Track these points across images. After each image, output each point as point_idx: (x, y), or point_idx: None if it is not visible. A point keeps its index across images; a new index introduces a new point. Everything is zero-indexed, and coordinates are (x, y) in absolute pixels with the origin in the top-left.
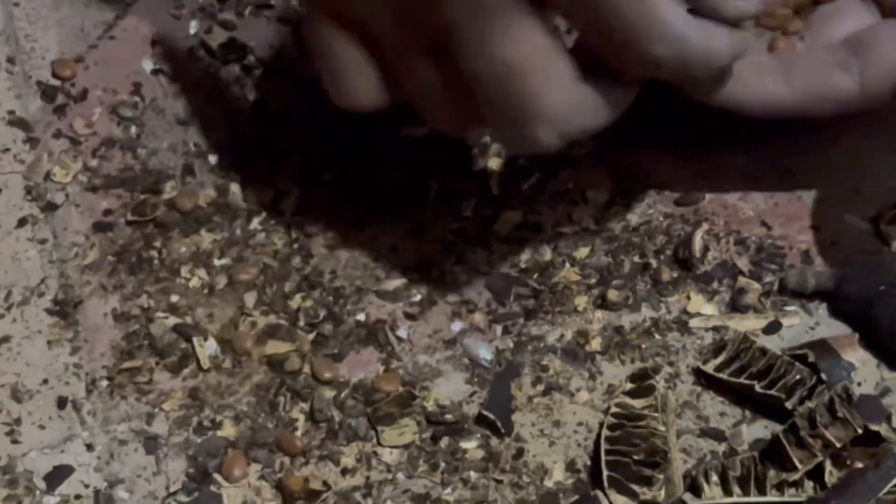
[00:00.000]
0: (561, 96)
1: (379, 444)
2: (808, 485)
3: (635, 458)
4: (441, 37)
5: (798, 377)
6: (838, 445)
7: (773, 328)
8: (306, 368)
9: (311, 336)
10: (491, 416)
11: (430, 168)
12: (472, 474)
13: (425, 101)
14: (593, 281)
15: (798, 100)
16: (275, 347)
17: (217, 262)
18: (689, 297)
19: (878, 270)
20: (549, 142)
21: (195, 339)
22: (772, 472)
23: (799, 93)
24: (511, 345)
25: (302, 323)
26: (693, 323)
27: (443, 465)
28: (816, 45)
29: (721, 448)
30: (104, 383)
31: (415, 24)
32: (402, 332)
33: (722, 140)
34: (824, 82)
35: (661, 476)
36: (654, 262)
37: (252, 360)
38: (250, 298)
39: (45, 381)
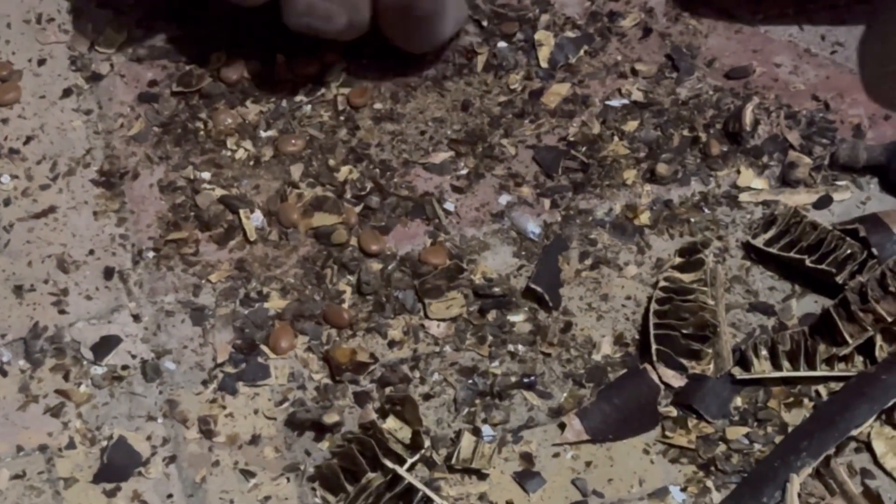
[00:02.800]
0: None
1: (426, 316)
2: (859, 359)
3: (684, 331)
4: None
5: (849, 251)
6: (889, 320)
7: (823, 202)
8: (353, 241)
9: (358, 208)
10: (539, 289)
11: (474, 41)
12: (520, 347)
13: None
14: (642, 154)
15: None
16: (321, 219)
17: (263, 134)
18: (738, 172)
19: None
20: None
21: (241, 211)
22: (822, 347)
23: None
24: (559, 218)
25: (349, 195)
26: (743, 197)
27: (490, 338)
28: None
29: (770, 322)
30: (151, 254)
31: None
32: (449, 205)
33: (773, 13)
34: None
35: (710, 350)
36: (703, 136)
37: (299, 233)
38: (297, 170)
39: (92, 252)
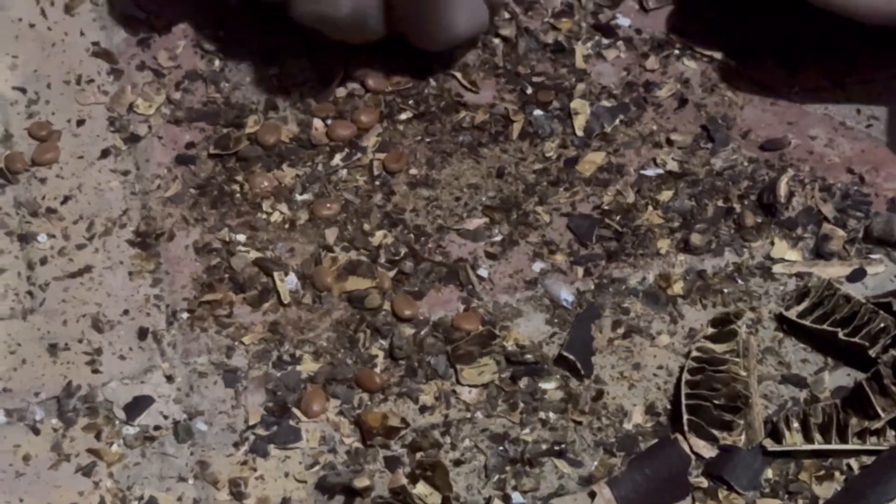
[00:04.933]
0: None
1: (458, 382)
2: (891, 433)
3: (716, 402)
4: None
5: (882, 325)
6: None
7: (857, 276)
8: (386, 305)
9: (392, 273)
10: (571, 357)
11: (510, 108)
12: (551, 415)
13: None
14: (676, 224)
15: None
16: (355, 283)
17: (299, 198)
18: (772, 243)
19: None
20: None
21: (276, 274)
22: (854, 420)
23: None
24: (592, 286)
25: (383, 260)
26: (776, 269)
27: (522, 405)
28: None
29: (802, 395)
30: (185, 315)
31: None
32: (482, 272)
33: (808, 86)
34: None
35: (742, 421)
36: (737, 207)
37: (332, 296)
38: (331, 234)
39: (126, 312)
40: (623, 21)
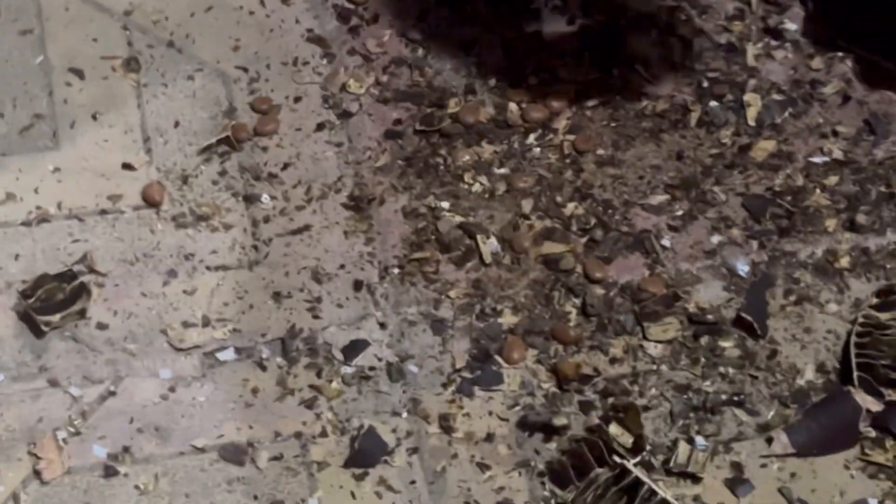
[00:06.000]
0: None
1: (645, 338)
2: None
3: (883, 363)
4: None
5: None
6: None
7: None
8: (578, 268)
9: (583, 240)
10: (749, 317)
11: (688, 99)
12: (730, 370)
13: None
14: (842, 206)
15: None
16: (550, 248)
17: (497, 171)
18: None
19: None
20: None
21: (479, 237)
22: None
23: None
24: (766, 258)
25: (574, 228)
26: None
27: (703, 360)
28: None
29: None
30: (396, 271)
31: None
32: (665, 242)
33: None
34: None
35: None
36: None
37: (529, 258)
38: (527, 204)
39: (343, 266)
40: (790, 25)
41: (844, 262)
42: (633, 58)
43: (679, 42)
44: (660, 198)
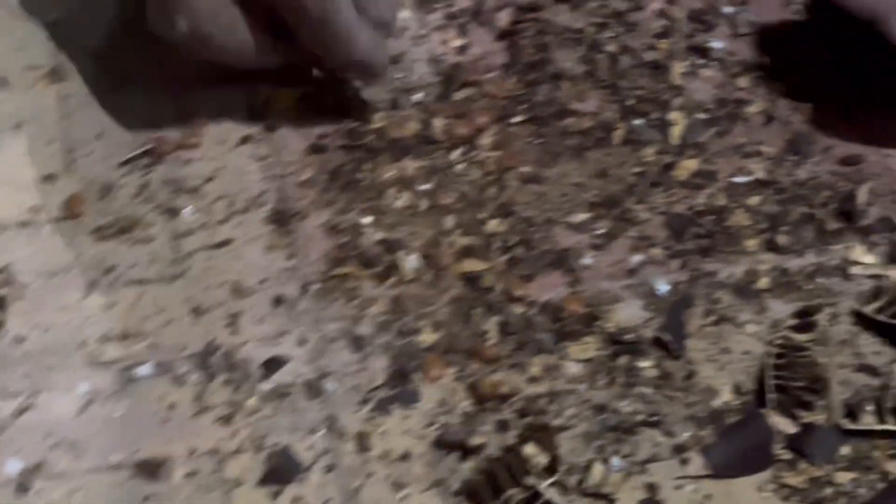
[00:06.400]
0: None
1: (563, 357)
2: None
3: (798, 384)
4: None
5: None
6: None
7: None
8: (499, 286)
9: (505, 258)
10: (666, 338)
11: (613, 117)
12: (648, 390)
13: None
14: (763, 226)
15: None
16: (471, 265)
17: (420, 187)
18: (850, 247)
19: None
20: None
21: (400, 253)
22: None
23: None
24: (686, 278)
25: (496, 246)
26: (854, 270)
27: (620, 380)
28: None
29: (876, 383)
30: (316, 286)
31: None
32: (586, 260)
33: (888, 107)
34: None
35: (821, 402)
36: (819, 214)
37: (450, 275)
38: (450, 221)
39: (264, 282)
40: (716, 44)
41: (764, 283)
42: (559, 74)
43: (606, 58)
44: (582, 216)
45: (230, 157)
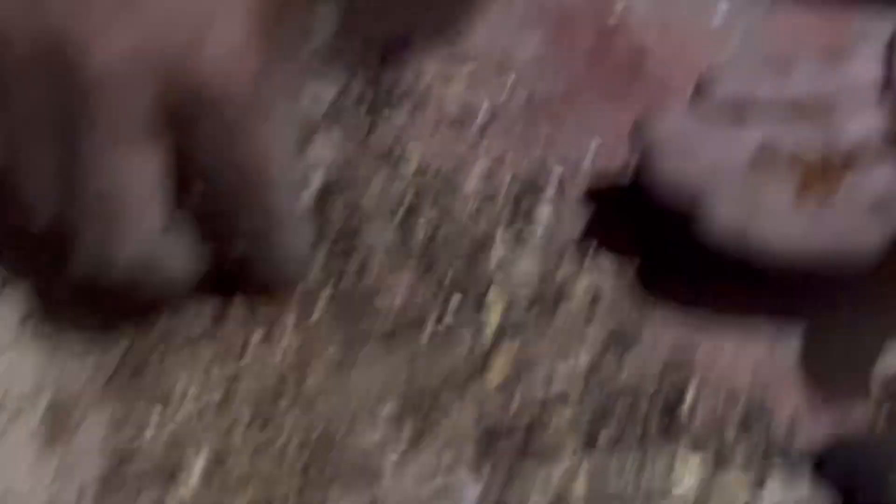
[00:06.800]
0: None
1: None
2: None
3: None
4: None
5: None
6: None
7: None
8: (292, 499)
9: (300, 464)
10: None
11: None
12: None
13: None
14: (584, 424)
15: (821, 252)
16: (262, 483)
17: (214, 376)
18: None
19: (866, 453)
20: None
21: (189, 451)
22: None
23: (823, 245)
24: (499, 483)
25: (292, 450)
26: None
27: None
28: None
29: None
30: (94, 489)
31: None
32: (390, 465)
33: (719, 303)
34: (850, 238)
35: None
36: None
37: (242, 483)
38: (244, 415)
39: (35, 489)
40: (538, 226)
41: (580, 486)
42: (370, 250)
43: (422, 234)
44: (388, 416)
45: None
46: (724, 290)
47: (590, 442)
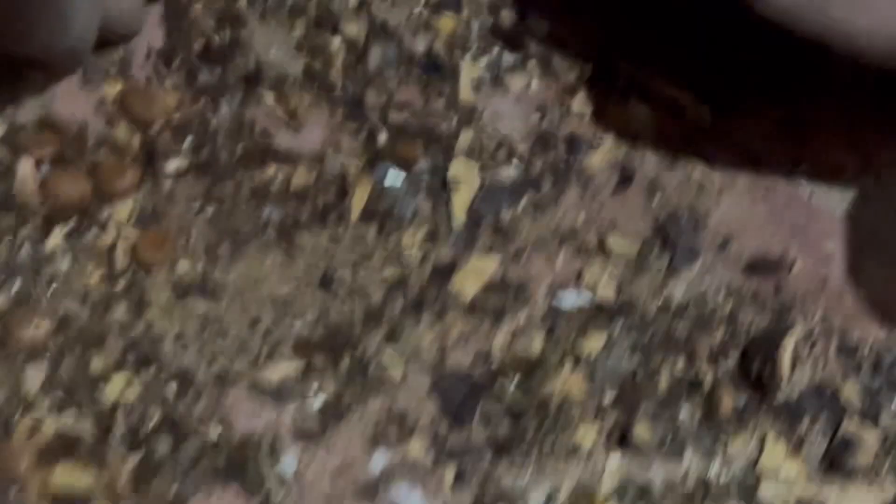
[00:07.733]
0: None
1: None
2: None
3: None
4: None
5: None
6: None
7: None
8: None
9: (134, 458)
10: None
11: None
12: None
13: None
14: (607, 400)
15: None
16: (67, 477)
17: None
18: (762, 443)
19: None
20: None
21: None
22: None
23: None
24: (468, 502)
25: (119, 432)
26: (765, 490)
27: None
28: None
29: None
30: None
31: None
32: (289, 461)
33: (823, 161)
34: None
35: None
36: (706, 376)
37: (28, 491)
38: (35, 377)
39: None
40: (538, 25)
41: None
42: (257, 79)
43: (344, 48)
44: (285, 366)
45: None
46: (832, 146)
47: (619, 437)
